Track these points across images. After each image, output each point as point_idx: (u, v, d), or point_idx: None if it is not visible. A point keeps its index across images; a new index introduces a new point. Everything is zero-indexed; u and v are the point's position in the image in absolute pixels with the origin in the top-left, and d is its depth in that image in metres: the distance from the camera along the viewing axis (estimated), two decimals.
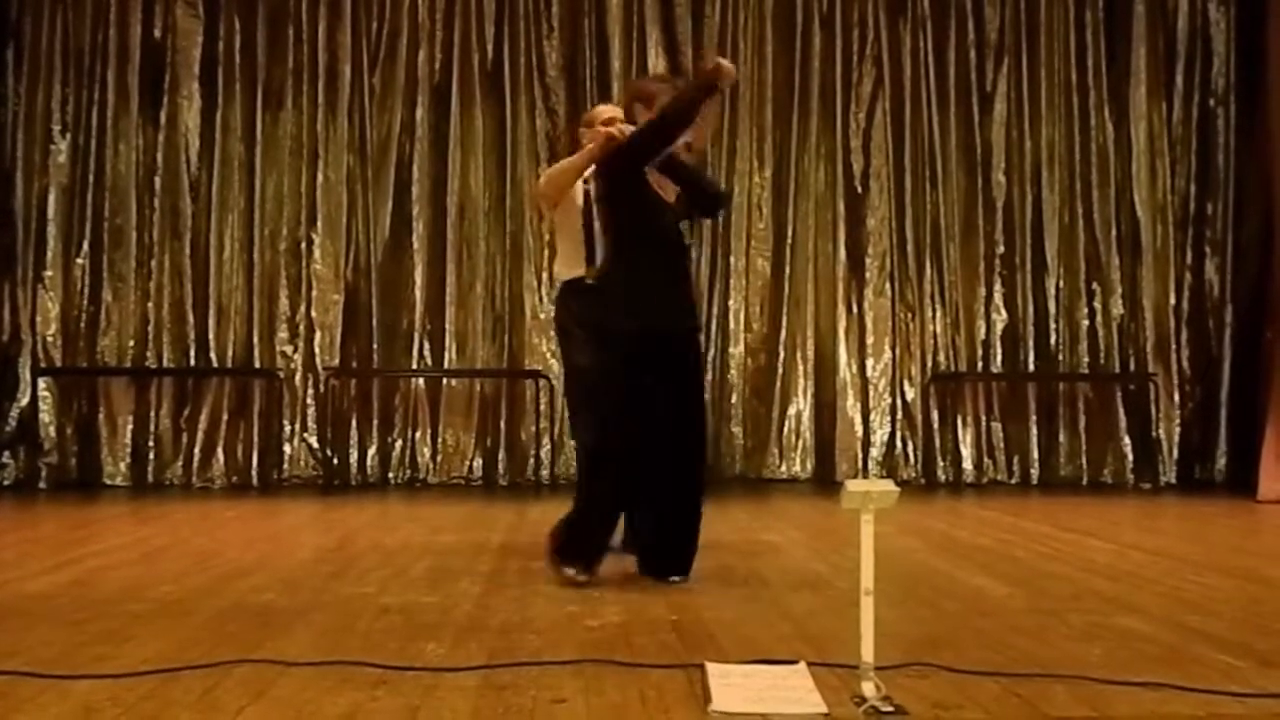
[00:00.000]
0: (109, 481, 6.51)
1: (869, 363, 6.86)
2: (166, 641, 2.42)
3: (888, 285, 6.87)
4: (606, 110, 3.66)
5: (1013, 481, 6.80)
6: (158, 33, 6.70)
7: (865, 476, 6.60)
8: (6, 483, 6.46)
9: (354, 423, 6.68)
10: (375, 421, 6.68)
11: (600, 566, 3.21)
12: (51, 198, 6.63)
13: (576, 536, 3.18)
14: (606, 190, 3.27)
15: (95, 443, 6.55)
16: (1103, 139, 6.96)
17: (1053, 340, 6.90)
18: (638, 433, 3.14)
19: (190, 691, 2.01)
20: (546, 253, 6.63)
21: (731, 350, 6.85)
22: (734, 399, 6.83)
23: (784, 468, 6.82)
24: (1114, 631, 2.57)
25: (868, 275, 6.89)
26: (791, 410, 6.85)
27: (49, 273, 6.61)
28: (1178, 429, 6.89)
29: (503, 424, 6.70)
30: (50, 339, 6.60)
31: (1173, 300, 6.92)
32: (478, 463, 6.71)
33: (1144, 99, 6.96)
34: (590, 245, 3.60)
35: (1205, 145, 6.96)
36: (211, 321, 6.65)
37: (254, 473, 6.59)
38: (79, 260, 6.62)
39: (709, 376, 6.80)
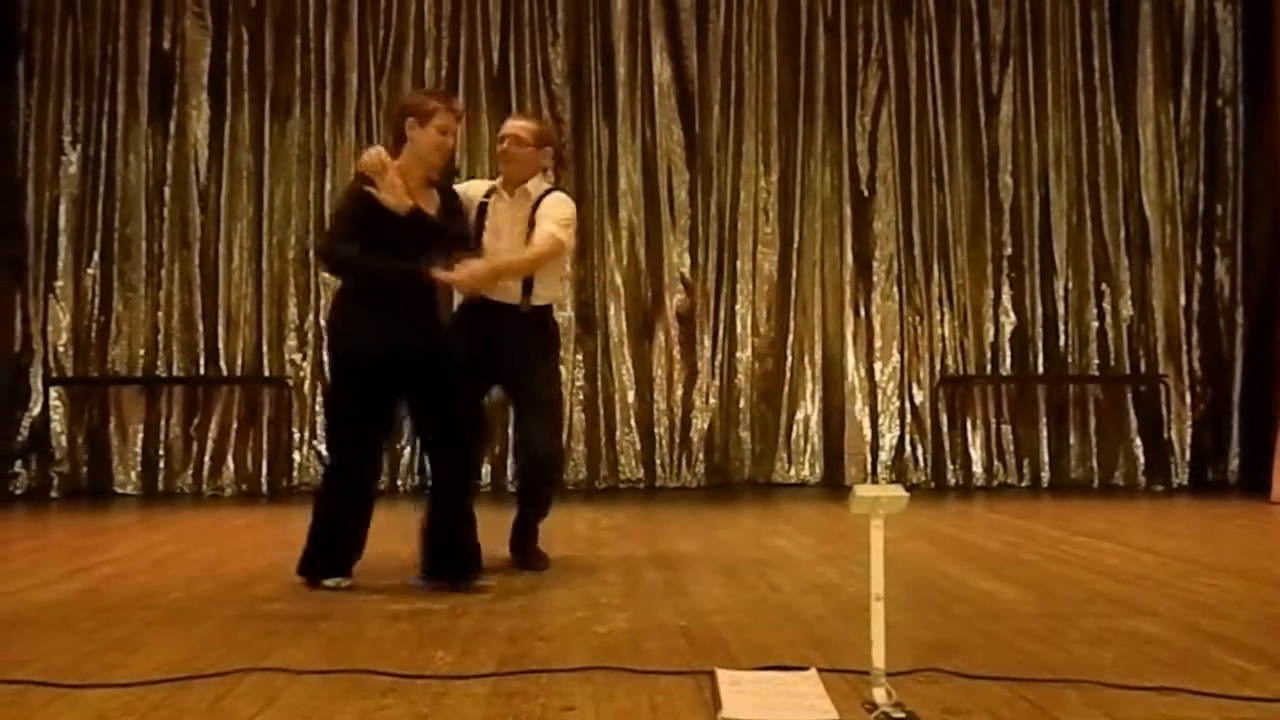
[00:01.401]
0: (120, 490, 6.54)
1: (877, 366, 6.84)
2: (177, 650, 2.43)
3: (895, 288, 6.85)
4: (514, 125, 3.72)
5: (1023, 484, 6.77)
6: (166, 44, 6.74)
7: (874, 481, 6.59)
8: (18, 492, 6.49)
9: None
10: None
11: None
12: (62, 208, 6.67)
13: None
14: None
15: (106, 451, 6.58)
16: (1110, 140, 6.93)
17: (1062, 342, 6.87)
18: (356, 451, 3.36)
19: (201, 700, 2.02)
20: None
21: (739, 355, 6.84)
22: (741, 404, 6.82)
23: (793, 472, 6.81)
24: (1125, 635, 2.55)
25: (875, 279, 6.87)
26: (799, 414, 6.84)
27: (60, 283, 6.65)
28: (1189, 430, 6.84)
29: (509, 430, 6.70)
30: (61, 349, 6.63)
31: (1183, 301, 6.89)
32: (485, 469, 6.72)
33: (1151, 99, 6.93)
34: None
35: (1214, 145, 6.93)
36: (221, 330, 6.68)
37: (264, 480, 6.61)
38: (89, 270, 6.66)
39: (716, 381, 6.81)
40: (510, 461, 6.70)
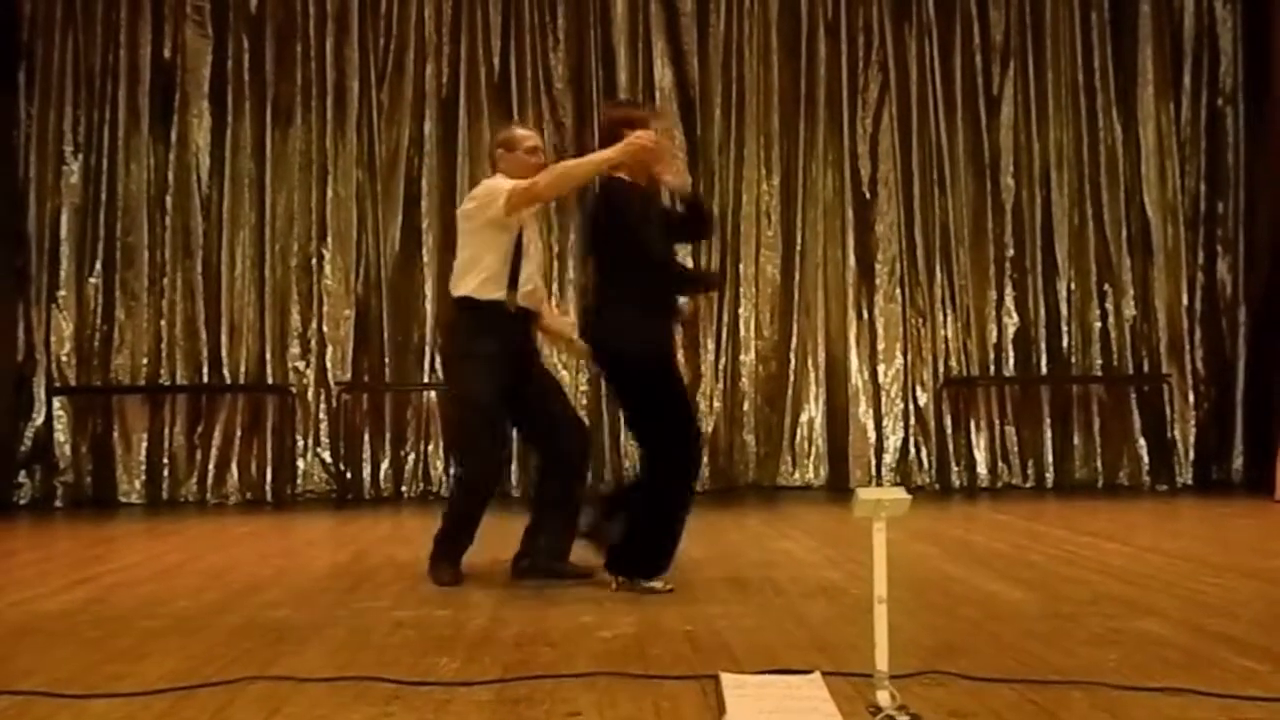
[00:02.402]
0: (124, 499, 6.55)
1: (881, 368, 6.84)
2: (181, 659, 2.43)
3: (898, 290, 6.85)
4: (529, 137, 3.60)
5: (1028, 485, 6.76)
6: (167, 52, 6.76)
7: (879, 483, 6.58)
8: (23, 502, 6.50)
9: (366, 437, 6.70)
10: (388, 435, 6.70)
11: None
12: (64, 218, 6.70)
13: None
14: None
15: (110, 461, 6.59)
16: (1111, 140, 6.93)
17: (1065, 343, 6.87)
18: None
19: (205, 709, 2.01)
20: (557, 265, 6.65)
21: (742, 358, 6.84)
22: (745, 406, 6.82)
23: (797, 475, 6.80)
24: (1131, 636, 2.54)
25: (878, 281, 6.87)
26: (803, 417, 6.84)
27: (62, 292, 6.67)
28: (1193, 430, 6.84)
29: (514, 435, 6.69)
30: (64, 358, 6.65)
31: (1185, 300, 6.88)
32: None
33: (1152, 99, 6.93)
34: (515, 269, 3.43)
35: (1214, 144, 6.93)
36: (224, 338, 6.69)
37: (268, 488, 6.61)
38: (92, 279, 6.68)
39: (720, 385, 6.80)
40: (518, 467, 6.72)
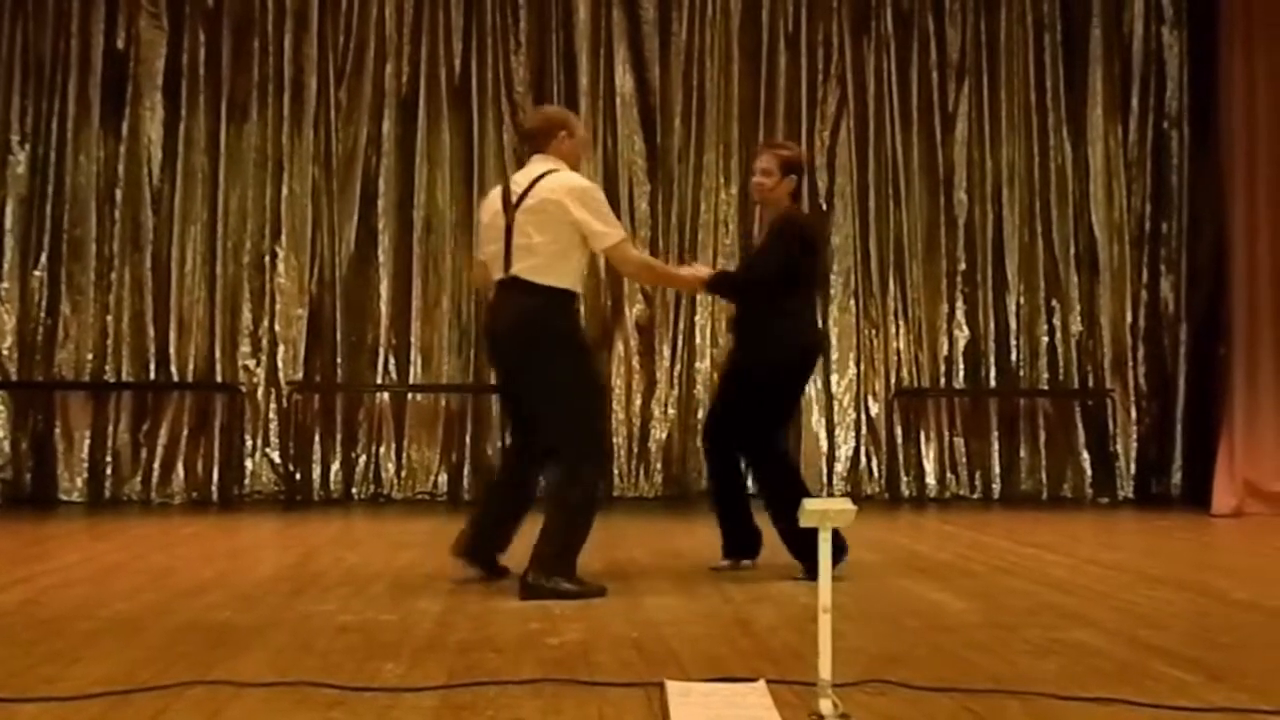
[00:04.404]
0: (65, 498, 6.39)
1: (833, 379, 6.91)
2: (117, 662, 2.38)
3: (852, 302, 6.94)
4: (583, 129, 3.76)
5: (975, 496, 6.87)
6: (120, 43, 6.63)
7: (830, 492, 6.64)
8: None
9: (317, 438, 6.61)
10: (339, 436, 6.62)
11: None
12: (9, 209, 6.53)
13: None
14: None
15: (51, 458, 6.43)
16: (1061, 159, 7.09)
17: (1013, 357, 7.00)
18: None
19: (140, 714, 1.98)
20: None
21: (698, 365, 6.87)
22: (700, 414, 6.83)
23: (750, 483, 6.82)
24: (1069, 646, 2.60)
25: (832, 292, 6.94)
26: None
27: (5, 284, 6.50)
28: (1135, 444, 7.00)
29: (468, 439, 6.67)
30: (5, 352, 6.48)
31: (1129, 318, 7.05)
32: (442, 478, 6.67)
33: (1100, 120, 7.10)
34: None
35: (1160, 166, 7.12)
36: (172, 335, 6.57)
37: (214, 488, 6.50)
38: (36, 272, 6.52)
39: (675, 392, 6.83)
40: (473, 469, 6.68)
